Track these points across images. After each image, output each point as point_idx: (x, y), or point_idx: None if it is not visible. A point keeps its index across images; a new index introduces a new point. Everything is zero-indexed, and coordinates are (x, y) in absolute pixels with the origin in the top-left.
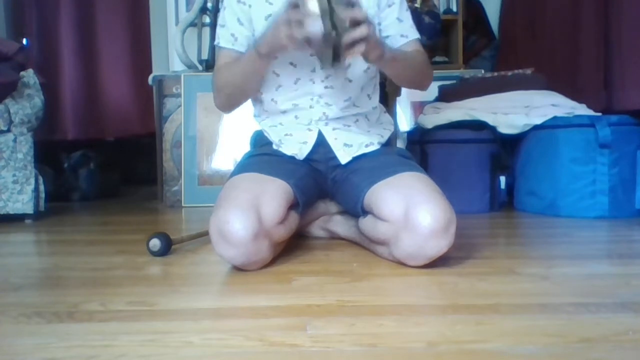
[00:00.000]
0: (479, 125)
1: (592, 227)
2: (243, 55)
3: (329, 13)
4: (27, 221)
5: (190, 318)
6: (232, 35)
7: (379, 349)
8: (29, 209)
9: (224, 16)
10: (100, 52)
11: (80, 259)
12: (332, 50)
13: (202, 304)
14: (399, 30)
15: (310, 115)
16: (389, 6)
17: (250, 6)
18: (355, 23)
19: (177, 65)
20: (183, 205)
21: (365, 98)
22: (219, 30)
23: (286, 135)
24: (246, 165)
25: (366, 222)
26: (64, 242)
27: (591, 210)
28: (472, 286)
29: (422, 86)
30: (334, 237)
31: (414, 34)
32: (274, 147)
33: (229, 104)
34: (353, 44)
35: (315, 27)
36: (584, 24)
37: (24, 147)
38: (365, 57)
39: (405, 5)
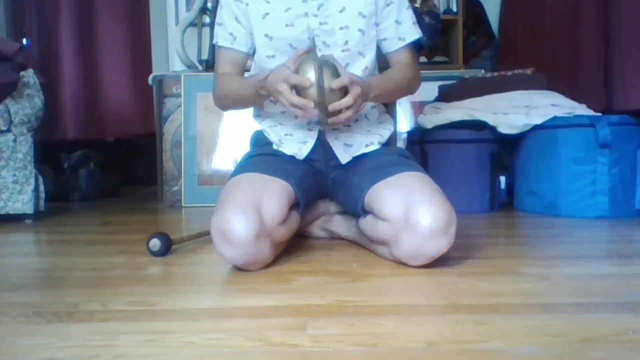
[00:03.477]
0: (479, 125)
1: (592, 227)
2: (246, 80)
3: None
4: (27, 221)
5: (190, 318)
6: (231, 34)
7: (379, 349)
8: (29, 209)
9: (221, 14)
10: (100, 52)
11: (80, 259)
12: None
13: (202, 304)
14: (397, 33)
15: None
16: (387, 5)
17: (247, 4)
18: (342, 90)
19: (177, 65)
20: (183, 205)
21: None
22: (217, 28)
23: (286, 135)
24: (246, 165)
25: (366, 222)
26: (64, 242)
27: (591, 210)
28: (472, 286)
29: (411, 93)
30: (334, 237)
31: (414, 35)
32: (274, 147)
33: (226, 110)
34: (339, 111)
35: (313, 95)
36: (584, 24)
37: (24, 147)
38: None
39: (405, 3)
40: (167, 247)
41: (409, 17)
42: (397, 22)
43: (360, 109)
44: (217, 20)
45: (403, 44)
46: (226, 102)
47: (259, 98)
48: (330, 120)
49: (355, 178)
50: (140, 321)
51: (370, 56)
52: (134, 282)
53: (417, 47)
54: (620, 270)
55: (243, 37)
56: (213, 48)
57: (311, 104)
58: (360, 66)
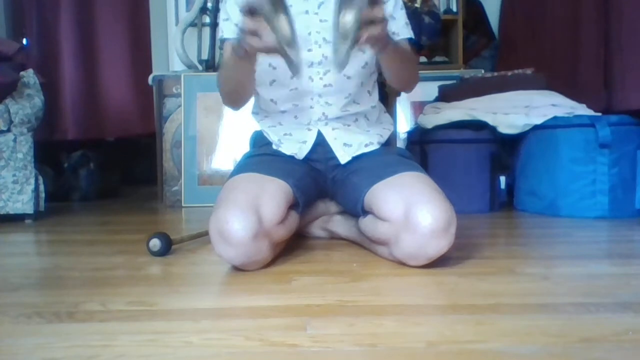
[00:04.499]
0: (479, 125)
1: (592, 227)
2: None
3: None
4: (27, 221)
5: (190, 318)
6: (237, 25)
7: (379, 349)
8: (29, 209)
9: (225, 9)
10: (100, 52)
11: (80, 259)
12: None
13: (202, 304)
14: (391, 28)
15: (310, 115)
16: (384, 2)
17: None
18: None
19: (177, 65)
20: (183, 205)
21: (365, 94)
22: (222, 24)
23: (285, 135)
24: (245, 165)
25: (366, 222)
26: (64, 242)
27: (591, 210)
28: (472, 286)
29: (409, 86)
30: (334, 237)
31: (406, 33)
32: (274, 146)
33: (231, 100)
34: (367, 39)
35: (271, 37)
36: (584, 24)
37: (24, 147)
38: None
39: (400, 3)
40: (167, 247)
41: (402, 16)
42: (392, 17)
43: (383, 47)
44: (222, 16)
45: (397, 38)
46: (225, 89)
47: (240, 61)
48: (362, 38)
49: (355, 178)
50: (140, 321)
51: (369, 52)
52: (134, 282)
53: (416, 48)
54: (620, 270)
55: None
56: (213, 48)
57: (263, 28)
58: (360, 62)
